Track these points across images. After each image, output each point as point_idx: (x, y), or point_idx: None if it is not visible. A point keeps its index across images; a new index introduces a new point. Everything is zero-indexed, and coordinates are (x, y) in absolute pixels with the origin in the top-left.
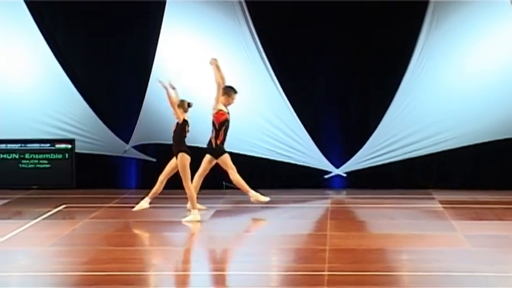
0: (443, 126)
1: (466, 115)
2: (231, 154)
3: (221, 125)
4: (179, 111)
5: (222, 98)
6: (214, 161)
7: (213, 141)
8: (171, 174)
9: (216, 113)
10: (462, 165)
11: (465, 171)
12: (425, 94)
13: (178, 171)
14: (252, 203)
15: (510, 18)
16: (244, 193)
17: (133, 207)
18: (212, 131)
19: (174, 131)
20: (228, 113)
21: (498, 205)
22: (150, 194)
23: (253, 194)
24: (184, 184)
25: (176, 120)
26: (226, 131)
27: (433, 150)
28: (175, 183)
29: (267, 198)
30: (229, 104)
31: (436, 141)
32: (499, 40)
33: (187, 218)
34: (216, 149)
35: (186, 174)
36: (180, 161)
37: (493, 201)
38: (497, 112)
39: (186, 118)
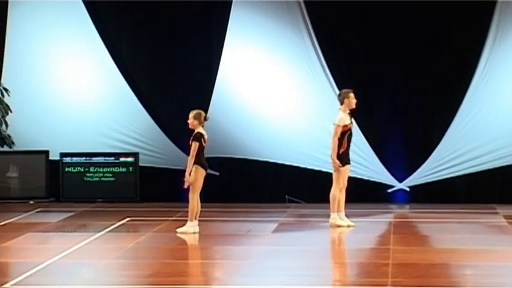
0: (506, 140)
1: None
2: (294, 168)
3: (343, 134)
4: (195, 122)
5: (342, 107)
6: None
7: (336, 151)
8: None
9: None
10: None
11: None
12: (489, 108)
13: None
14: (315, 216)
15: None
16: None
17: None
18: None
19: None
20: (351, 123)
21: None
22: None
23: (334, 217)
24: (190, 194)
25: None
26: (350, 139)
27: (496, 165)
28: (239, 196)
29: (346, 223)
30: (351, 108)
31: (500, 156)
32: None
33: (181, 229)
34: (339, 158)
35: (195, 187)
36: (193, 173)
37: None
38: None
39: (200, 131)
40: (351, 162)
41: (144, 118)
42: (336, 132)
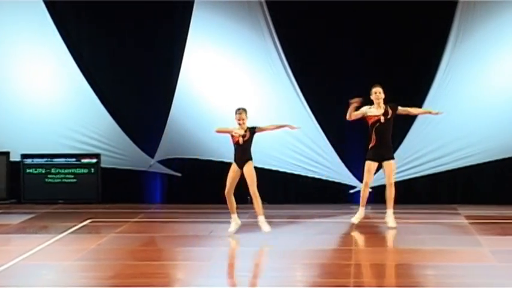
0: (468, 141)
1: (490, 130)
2: (257, 169)
3: (372, 126)
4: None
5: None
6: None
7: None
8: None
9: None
10: (487, 180)
11: (490, 186)
12: (450, 109)
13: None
14: (278, 217)
15: None
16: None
17: (158, 221)
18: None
19: (246, 141)
20: (380, 114)
21: None
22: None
23: (360, 212)
24: (254, 189)
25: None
26: (378, 133)
27: (458, 165)
28: (201, 197)
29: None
30: (377, 100)
31: (461, 156)
32: None
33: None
34: (368, 152)
35: (255, 180)
36: (252, 167)
37: None
38: None
39: (241, 125)
40: (376, 159)
41: (106, 119)
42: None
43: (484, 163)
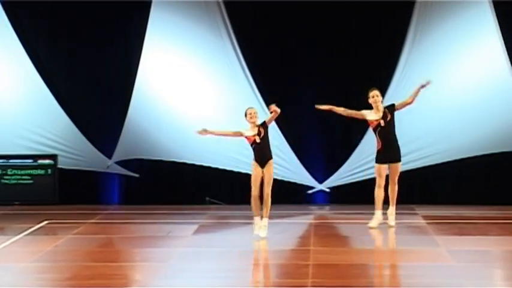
0: (425, 141)
1: (448, 131)
2: (215, 170)
3: (374, 131)
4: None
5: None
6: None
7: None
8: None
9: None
10: (445, 180)
11: (448, 186)
12: (407, 110)
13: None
14: (236, 218)
15: (491, 36)
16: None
17: (116, 222)
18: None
19: (263, 137)
20: (380, 118)
21: (481, 220)
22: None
23: (377, 216)
24: (269, 191)
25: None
26: (381, 136)
27: (415, 166)
28: (159, 198)
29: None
30: (375, 104)
31: (419, 157)
32: (479, 56)
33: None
34: (376, 156)
35: (271, 182)
36: (272, 167)
37: (475, 217)
38: (479, 128)
39: (255, 123)
40: (384, 161)
41: (63, 120)
42: (354, 111)
43: (441, 163)
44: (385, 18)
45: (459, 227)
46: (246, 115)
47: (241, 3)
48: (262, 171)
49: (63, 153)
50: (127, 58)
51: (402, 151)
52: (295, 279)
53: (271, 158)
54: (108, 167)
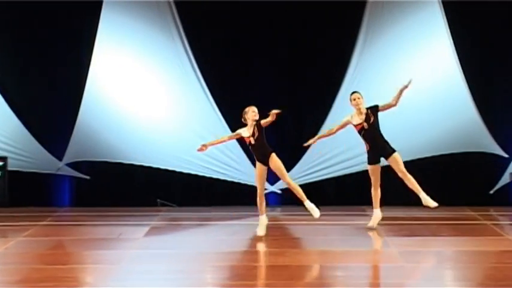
0: None
1: (400, 132)
2: (166, 171)
3: (359, 133)
4: (247, 118)
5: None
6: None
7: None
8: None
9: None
10: (395, 181)
11: (399, 187)
12: None
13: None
14: (187, 219)
15: (442, 37)
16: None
17: (67, 225)
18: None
19: (257, 138)
20: (363, 121)
21: (432, 221)
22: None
23: (375, 215)
24: (288, 180)
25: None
26: (367, 138)
27: (366, 167)
28: (110, 200)
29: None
30: (357, 106)
31: None
32: (431, 57)
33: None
34: (367, 157)
35: (285, 171)
36: (277, 159)
37: (427, 218)
38: (431, 129)
39: (253, 119)
40: (375, 161)
41: (12, 121)
42: (337, 125)
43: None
44: (336, 18)
45: (409, 228)
46: (246, 112)
47: (192, 3)
48: (268, 169)
49: (13, 155)
50: (78, 59)
51: (354, 152)
52: (246, 281)
53: (271, 152)
54: (58, 169)
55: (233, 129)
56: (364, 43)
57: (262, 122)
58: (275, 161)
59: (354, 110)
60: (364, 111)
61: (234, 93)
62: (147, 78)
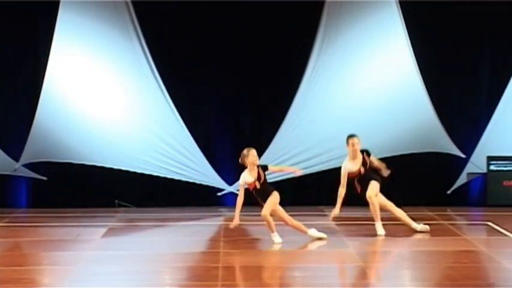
0: (335, 143)
1: (357, 132)
2: (124, 172)
3: (353, 179)
4: (247, 162)
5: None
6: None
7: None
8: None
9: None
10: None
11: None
12: (318, 111)
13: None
14: (145, 220)
15: (399, 37)
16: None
17: (24, 226)
18: None
19: (263, 182)
20: (360, 166)
21: (389, 221)
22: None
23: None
24: (265, 212)
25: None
26: (361, 182)
27: (325, 167)
28: (68, 201)
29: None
30: (354, 152)
31: (328, 158)
32: (388, 58)
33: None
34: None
35: (271, 208)
36: (273, 198)
37: (384, 218)
38: (389, 129)
39: (254, 163)
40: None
41: None
42: (342, 183)
43: None
44: (295, 18)
45: (367, 228)
46: (247, 156)
47: (150, 3)
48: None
49: None
50: (35, 59)
51: (312, 153)
52: (204, 282)
53: (273, 190)
54: (15, 170)
55: (190, 129)
56: (323, 43)
57: (271, 166)
58: (272, 198)
59: (347, 154)
60: (360, 155)
61: (192, 93)
62: (104, 78)
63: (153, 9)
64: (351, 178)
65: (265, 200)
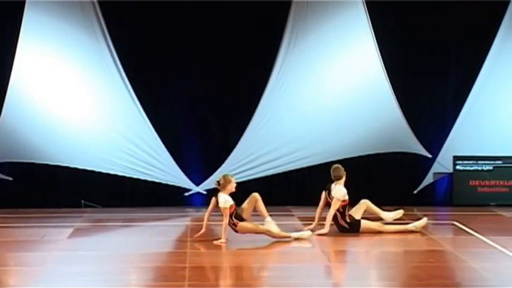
0: (302, 143)
1: (325, 132)
2: (90, 172)
3: (344, 208)
4: (228, 187)
5: (342, 181)
6: None
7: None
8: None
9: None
10: (321, 181)
11: (324, 188)
12: (285, 111)
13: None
14: (112, 220)
15: (366, 38)
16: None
17: None
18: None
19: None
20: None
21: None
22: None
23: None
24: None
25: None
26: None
27: (292, 167)
28: (33, 202)
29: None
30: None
31: (296, 158)
32: (355, 58)
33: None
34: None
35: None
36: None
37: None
38: (356, 129)
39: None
40: None
41: None
42: (335, 206)
43: (319, 165)
44: (261, 18)
45: (335, 228)
46: (230, 182)
47: (116, 3)
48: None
49: None
50: (0, 59)
51: (280, 153)
52: (171, 282)
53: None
54: None
55: (157, 129)
56: (290, 43)
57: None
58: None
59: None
60: None
61: (158, 93)
62: (70, 78)
63: (120, 10)
64: (344, 206)
65: (241, 220)
